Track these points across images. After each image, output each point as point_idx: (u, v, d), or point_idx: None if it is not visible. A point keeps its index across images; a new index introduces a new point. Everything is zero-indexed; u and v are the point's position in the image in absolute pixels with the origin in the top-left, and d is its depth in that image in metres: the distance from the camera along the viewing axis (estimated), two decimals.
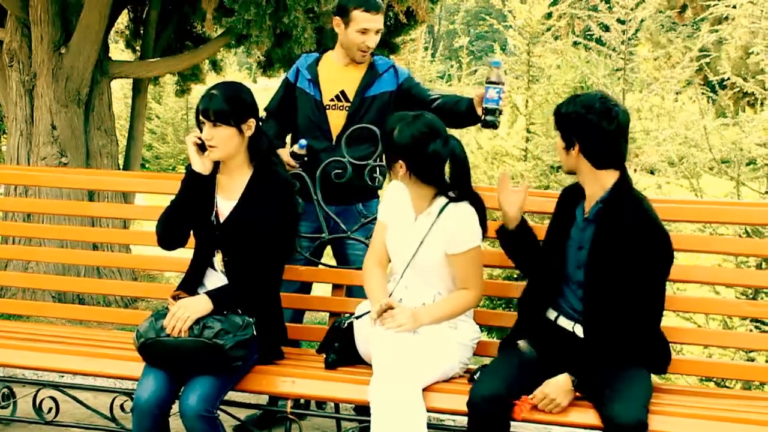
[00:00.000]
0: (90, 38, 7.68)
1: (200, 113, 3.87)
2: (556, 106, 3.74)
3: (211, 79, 11.64)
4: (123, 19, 10.24)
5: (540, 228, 4.08)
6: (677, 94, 10.49)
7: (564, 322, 3.76)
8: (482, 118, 4.29)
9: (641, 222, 3.57)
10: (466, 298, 3.90)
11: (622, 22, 8.50)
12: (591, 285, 3.63)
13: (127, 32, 10.50)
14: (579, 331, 3.71)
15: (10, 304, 5.61)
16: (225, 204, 4.00)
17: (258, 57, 9.49)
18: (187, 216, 3.99)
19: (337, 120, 4.78)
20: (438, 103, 4.68)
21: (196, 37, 10.06)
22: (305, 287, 4.81)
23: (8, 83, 7.93)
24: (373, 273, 4.01)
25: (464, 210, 3.87)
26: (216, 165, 3.99)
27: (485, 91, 4.21)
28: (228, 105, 3.84)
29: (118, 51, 11.80)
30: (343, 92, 4.79)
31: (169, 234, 4.04)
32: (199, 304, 3.79)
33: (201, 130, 3.90)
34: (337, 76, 4.85)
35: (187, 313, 3.73)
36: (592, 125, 3.57)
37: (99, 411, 4.10)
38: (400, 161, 3.78)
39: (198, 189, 3.96)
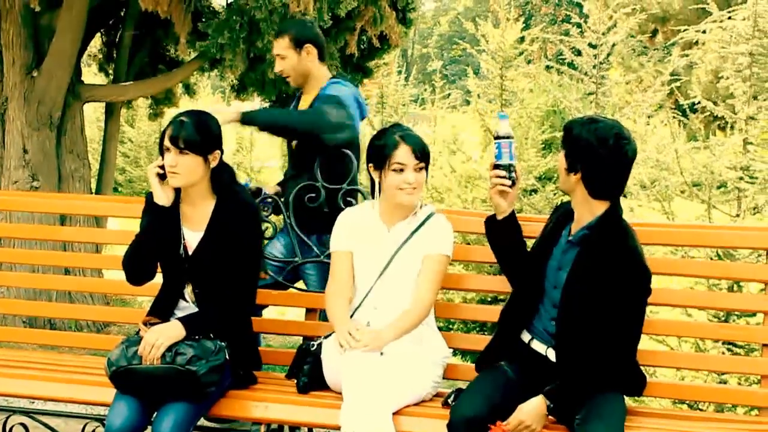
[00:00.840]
0: (62, 62, 7.66)
1: (169, 139, 3.84)
2: (570, 121, 3.68)
3: (185, 102, 11.63)
4: (96, 43, 10.21)
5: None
6: (649, 117, 10.55)
7: (537, 346, 3.76)
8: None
9: (624, 254, 3.56)
10: (420, 306, 3.90)
11: (594, 47, 8.57)
12: (566, 307, 3.63)
13: (100, 56, 10.47)
14: (552, 355, 3.70)
15: None
16: (191, 235, 4.00)
17: (231, 81, 9.48)
18: (153, 250, 3.99)
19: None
20: None
21: (170, 61, 10.04)
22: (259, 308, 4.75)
23: None
24: (335, 301, 3.98)
25: (447, 222, 3.95)
26: (177, 196, 3.98)
27: (496, 149, 3.83)
28: (198, 134, 3.84)
29: (91, 74, 11.77)
30: None
31: (136, 270, 4.04)
32: (172, 330, 3.77)
33: (163, 156, 3.89)
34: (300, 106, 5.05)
35: (160, 339, 3.71)
36: (601, 160, 3.53)
37: None
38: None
39: (162, 222, 3.95)
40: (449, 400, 3.66)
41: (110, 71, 10.13)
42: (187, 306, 4.00)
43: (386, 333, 3.79)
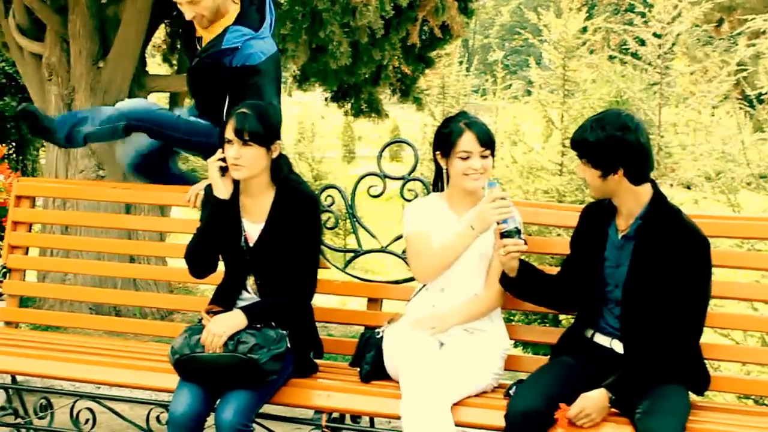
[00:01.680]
0: (128, 52, 7.76)
1: (233, 132, 3.86)
2: (575, 137, 3.63)
3: None
4: (160, 34, 10.31)
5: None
6: (714, 108, 10.42)
7: (601, 339, 3.73)
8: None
9: (682, 228, 3.56)
10: (491, 295, 3.94)
11: (659, 36, 8.47)
12: (630, 302, 3.60)
13: (164, 46, 10.58)
14: (617, 346, 3.67)
15: (47, 316, 5.63)
16: (252, 227, 4.02)
17: (293, 71, 9.52)
18: (215, 243, 4.02)
19: None
20: None
21: None
22: None
23: (47, 97, 8.00)
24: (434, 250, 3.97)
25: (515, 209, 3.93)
26: (236, 188, 4.00)
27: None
28: (261, 126, 3.86)
29: (155, 65, 11.90)
30: None
31: (199, 263, 4.08)
32: (234, 320, 3.81)
33: (223, 149, 3.92)
34: None
35: (222, 328, 3.75)
36: (633, 144, 3.51)
37: (135, 422, 4.13)
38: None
39: (222, 214, 3.97)
40: (510, 392, 3.65)
41: (174, 62, 10.23)
42: (249, 296, 4.03)
43: (452, 316, 3.83)
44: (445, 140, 3.96)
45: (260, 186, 3.99)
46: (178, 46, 9.66)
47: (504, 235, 3.67)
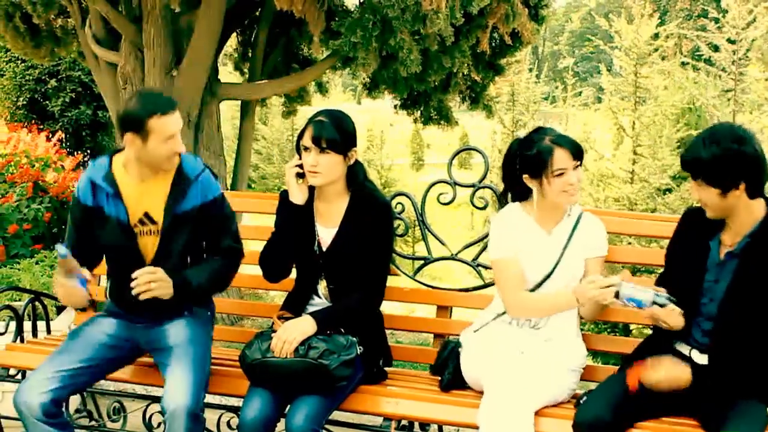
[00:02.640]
0: (200, 61, 7.86)
1: (311, 140, 3.88)
2: (689, 157, 3.47)
3: (317, 101, 11.79)
4: (232, 42, 10.44)
5: (648, 252, 4.01)
6: None
7: (681, 347, 3.66)
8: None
9: None
10: None
11: (732, 42, 8.36)
12: (725, 319, 3.50)
13: (236, 55, 10.71)
14: (696, 356, 3.60)
15: None
16: (325, 232, 4.04)
17: (363, 79, 9.56)
18: (290, 248, 4.04)
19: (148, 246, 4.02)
20: None
21: (303, 60, 10.20)
22: None
23: (122, 105, 8.14)
24: (528, 293, 3.94)
25: (598, 220, 3.97)
26: (311, 194, 4.03)
27: (630, 303, 3.55)
28: (338, 133, 3.88)
29: (227, 73, 12.04)
30: (147, 214, 3.99)
31: (273, 268, 4.10)
32: (305, 325, 3.83)
33: (300, 156, 3.95)
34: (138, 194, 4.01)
35: (293, 334, 3.78)
36: (752, 156, 3.38)
37: (206, 427, 4.16)
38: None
39: (298, 219, 4.00)
40: (580, 401, 3.62)
41: (245, 70, 10.34)
42: (320, 302, 4.06)
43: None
44: (534, 161, 3.84)
45: (335, 192, 4.01)
46: (250, 54, 9.76)
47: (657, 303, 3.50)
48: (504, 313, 3.97)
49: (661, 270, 3.88)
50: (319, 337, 3.80)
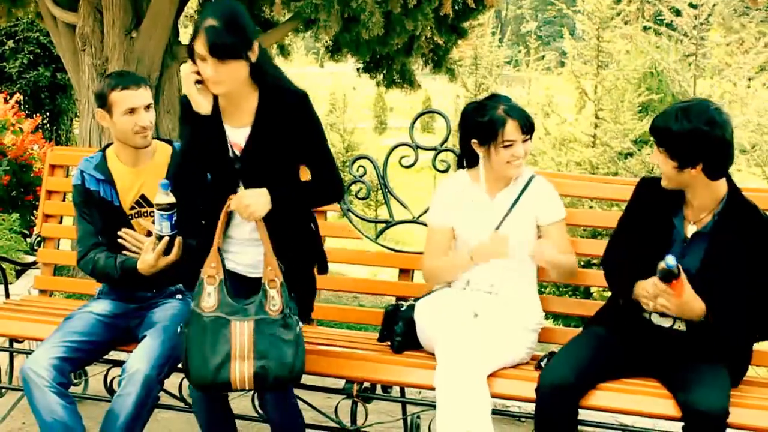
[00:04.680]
0: (160, 23, 7.77)
1: (207, 50, 3.40)
2: (657, 121, 3.51)
3: (279, 63, 11.70)
4: (193, 4, 10.33)
5: (609, 215, 4.04)
6: (749, 80, 10.31)
7: (660, 320, 3.65)
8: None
9: (762, 229, 3.51)
10: (575, 261, 3.98)
11: (694, 7, 8.39)
12: (701, 294, 3.48)
13: (197, 16, 10.60)
14: (657, 319, 3.61)
15: (81, 284, 5.68)
16: (237, 133, 3.65)
17: (326, 42, 9.51)
18: (202, 159, 3.64)
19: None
20: None
21: (265, 22, 10.12)
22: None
23: (81, 67, 8.05)
24: (436, 261, 4.01)
25: (549, 183, 3.96)
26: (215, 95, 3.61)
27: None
28: (236, 36, 3.41)
29: (188, 35, 11.93)
30: (144, 197, 4.09)
31: (189, 186, 3.71)
32: (263, 198, 3.54)
33: (195, 62, 3.51)
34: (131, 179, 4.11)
35: (256, 206, 3.53)
36: (718, 140, 3.39)
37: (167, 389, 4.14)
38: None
39: (206, 128, 3.60)
40: (542, 364, 3.64)
41: None
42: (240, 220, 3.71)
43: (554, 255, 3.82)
44: (485, 129, 3.86)
45: (242, 90, 3.61)
46: None
47: (665, 273, 3.35)
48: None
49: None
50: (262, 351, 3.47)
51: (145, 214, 4.04)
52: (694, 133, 3.39)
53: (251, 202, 3.52)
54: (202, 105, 3.54)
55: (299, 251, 3.76)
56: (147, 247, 3.79)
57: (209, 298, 3.54)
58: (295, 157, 3.69)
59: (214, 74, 3.44)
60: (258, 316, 3.51)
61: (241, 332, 3.48)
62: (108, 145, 4.18)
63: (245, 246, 3.75)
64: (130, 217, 4.04)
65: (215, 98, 3.59)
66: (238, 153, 3.64)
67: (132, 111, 3.92)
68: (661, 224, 3.67)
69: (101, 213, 4.03)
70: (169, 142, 4.19)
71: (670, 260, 3.29)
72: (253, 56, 3.50)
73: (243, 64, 3.47)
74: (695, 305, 3.43)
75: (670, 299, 3.39)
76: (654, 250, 3.61)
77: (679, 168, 3.47)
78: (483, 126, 3.86)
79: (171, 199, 3.69)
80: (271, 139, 3.61)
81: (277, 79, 3.65)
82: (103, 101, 3.95)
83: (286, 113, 3.60)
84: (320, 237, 3.99)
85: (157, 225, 3.74)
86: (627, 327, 3.68)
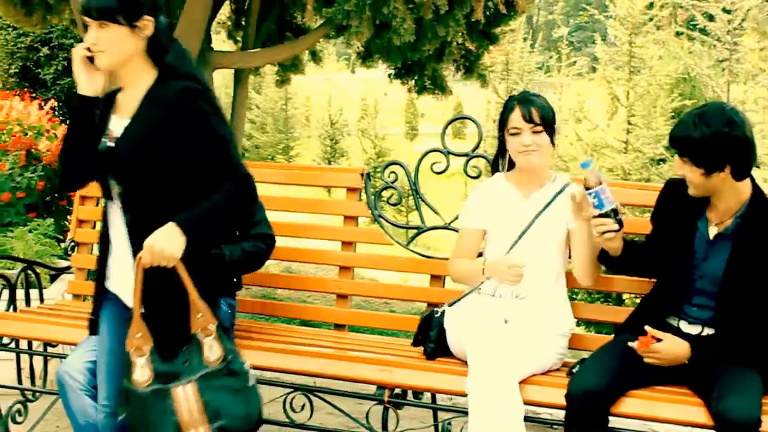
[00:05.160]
0: (193, 29, 7.81)
1: (82, 12, 3.21)
2: (676, 132, 3.48)
3: (310, 69, 11.75)
4: (225, 10, 10.39)
5: (642, 222, 4.02)
6: None
7: (689, 328, 3.64)
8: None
9: None
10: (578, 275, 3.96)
11: (728, 12, 8.35)
12: (727, 296, 3.51)
13: (229, 23, 10.66)
14: (685, 327, 3.61)
15: None
16: (118, 122, 3.31)
17: (357, 47, 9.53)
18: (82, 146, 3.30)
19: None
20: None
21: (296, 28, 10.16)
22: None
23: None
24: (461, 261, 4.03)
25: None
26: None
27: (594, 198, 3.55)
28: None
29: (220, 41, 11.99)
30: None
31: (67, 171, 3.39)
32: (170, 235, 3.15)
33: None
34: None
35: (166, 251, 3.15)
36: (741, 140, 3.38)
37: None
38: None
39: (89, 115, 3.29)
40: (573, 371, 3.63)
41: (239, 38, 10.30)
42: (116, 212, 3.36)
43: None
44: (501, 117, 3.97)
45: (135, 74, 3.28)
46: (243, 22, 9.71)
47: (600, 216, 3.56)
48: (482, 284, 3.98)
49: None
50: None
51: None
52: (716, 137, 3.37)
53: (164, 246, 3.14)
54: (85, 84, 3.27)
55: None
56: None
57: (143, 371, 3.20)
58: (181, 159, 3.20)
59: (94, 41, 3.20)
60: (199, 373, 3.20)
61: (186, 398, 3.17)
62: None
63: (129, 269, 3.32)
64: None
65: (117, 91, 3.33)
66: (110, 145, 3.28)
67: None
68: (685, 228, 3.66)
69: None
70: None
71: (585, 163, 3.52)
72: (144, 29, 3.21)
73: (125, 31, 3.18)
74: (677, 349, 3.45)
75: (655, 353, 3.45)
76: (679, 254, 3.63)
77: (706, 174, 3.45)
78: (501, 114, 3.97)
79: None
80: (146, 132, 3.20)
81: (177, 64, 3.28)
82: None
83: (168, 104, 3.20)
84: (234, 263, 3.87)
85: None
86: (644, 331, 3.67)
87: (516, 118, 3.86)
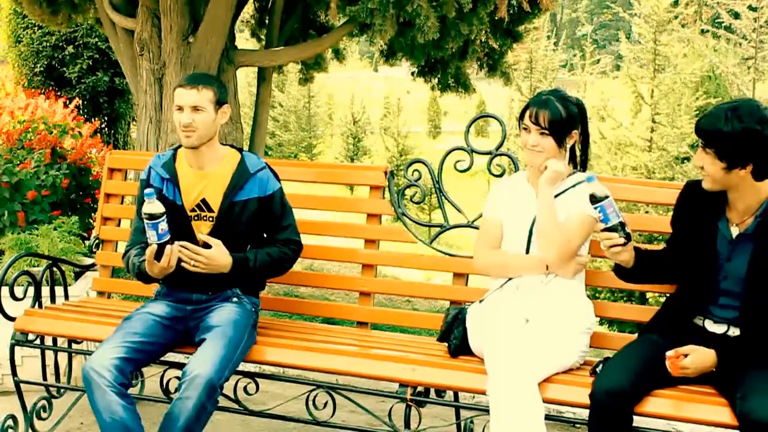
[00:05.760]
0: (217, 27, 7.83)
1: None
2: (704, 123, 3.45)
3: (334, 67, 11.75)
4: (249, 9, 10.39)
5: (665, 220, 3.99)
6: None
7: (715, 327, 3.63)
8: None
9: None
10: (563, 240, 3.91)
11: (754, 9, 8.28)
12: (751, 298, 3.51)
13: (253, 21, 10.66)
14: (711, 326, 3.60)
15: (137, 286, 5.74)
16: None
17: (380, 45, 9.51)
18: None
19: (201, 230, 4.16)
20: None
21: (320, 26, 10.15)
22: None
23: (139, 71, 8.13)
24: (496, 251, 4.06)
25: (599, 184, 3.95)
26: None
27: (599, 212, 3.55)
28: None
29: (244, 40, 12.00)
30: (204, 201, 4.15)
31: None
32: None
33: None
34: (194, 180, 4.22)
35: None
36: None
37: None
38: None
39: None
40: (597, 370, 3.62)
41: (262, 36, 10.30)
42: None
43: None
44: (521, 112, 4.07)
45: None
46: (267, 20, 9.72)
47: (606, 230, 3.56)
48: (509, 281, 3.97)
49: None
50: None
51: (204, 218, 4.09)
52: (747, 133, 3.35)
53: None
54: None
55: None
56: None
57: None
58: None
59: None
60: None
61: None
62: (180, 145, 4.26)
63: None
64: (190, 219, 4.11)
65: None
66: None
67: (179, 109, 4.11)
68: (706, 230, 3.65)
69: None
70: (239, 149, 4.24)
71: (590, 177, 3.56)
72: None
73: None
74: (705, 361, 3.44)
75: (685, 369, 3.45)
76: (701, 256, 3.62)
77: (727, 169, 3.44)
78: (522, 108, 4.08)
79: (156, 208, 3.79)
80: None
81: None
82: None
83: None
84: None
85: (147, 233, 3.84)
86: (680, 333, 3.65)
87: (526, 116, 3.95)
